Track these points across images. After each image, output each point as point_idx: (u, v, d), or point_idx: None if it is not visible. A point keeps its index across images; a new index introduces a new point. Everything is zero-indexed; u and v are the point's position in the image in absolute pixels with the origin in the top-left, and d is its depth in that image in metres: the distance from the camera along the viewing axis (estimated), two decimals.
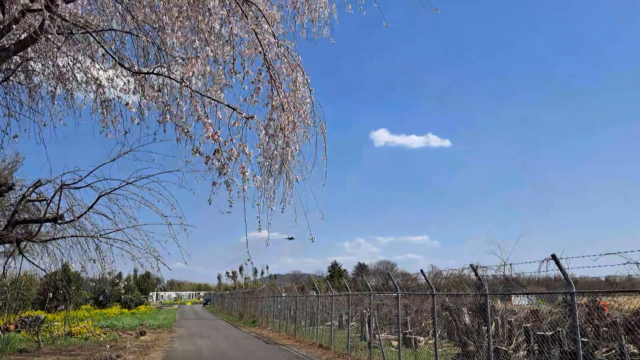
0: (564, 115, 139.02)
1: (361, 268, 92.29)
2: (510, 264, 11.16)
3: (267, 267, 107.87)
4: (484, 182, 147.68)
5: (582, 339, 12.13)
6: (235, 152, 4.48)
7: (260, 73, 6.43)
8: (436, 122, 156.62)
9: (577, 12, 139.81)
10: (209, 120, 4.04)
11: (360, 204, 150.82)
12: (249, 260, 4.88)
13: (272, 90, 6.17)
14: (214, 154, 4.12)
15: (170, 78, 3.73)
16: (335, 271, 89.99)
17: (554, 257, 9.93)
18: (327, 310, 23.37)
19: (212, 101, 4.29)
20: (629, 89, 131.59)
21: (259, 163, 6.10)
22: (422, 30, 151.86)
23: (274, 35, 6.42)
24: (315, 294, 24.87)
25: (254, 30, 6.05)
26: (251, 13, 6.15)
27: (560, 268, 9.86)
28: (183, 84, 3.73)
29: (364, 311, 20.22)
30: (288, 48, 6.71)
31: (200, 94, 3.88)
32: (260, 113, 6.00)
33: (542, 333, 13.37)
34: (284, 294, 32.29)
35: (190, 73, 3.80)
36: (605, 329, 13.10)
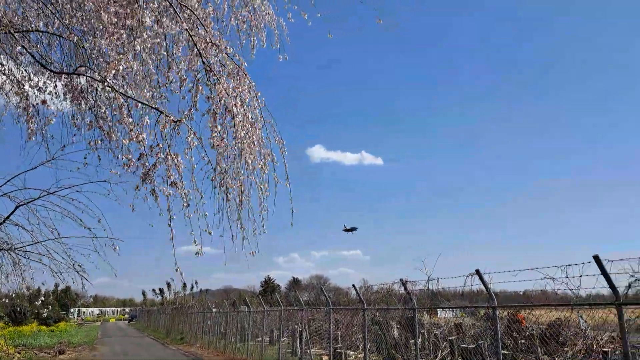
0: (495, 132, 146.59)
1: (294, 283, 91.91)
2: (437, 279, 11.49)
3: (196, 282, 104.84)
4: (414, 199, 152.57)
5: (503, 351, 12.67)
6: (170, 160, 4.25)
7: (198, 80, 6.25)
8: (370, 140, 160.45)
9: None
10: (130, 120, 3.82)
11: (296, 219, 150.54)
12: (178, 270, 4.64)
13: (211, 92, 6.02)
14: (138, 159, 3.89)
15: (92, 78, 3.48)
16: (269, 286, 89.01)
17: (477, 272, 10.34)
18: (258, 325, 22.96)
19: (140, 104, 4.08)
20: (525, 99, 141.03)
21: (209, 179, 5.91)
22: (361, 47, 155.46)
23: (212, 40, 6.28)
24: (246, 309, 24.38)
25: (188, 32, 5.89)
26: (185, 15, 5.99)
27: (483, 282, 10.27)
28: (105, 83, 3.50)
29: (296, 326, 20.05)
30: (229, 54, 6.58)
31: (122, 93, 3.66)
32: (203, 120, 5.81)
33: (465, 346, 13.84)
34: (214, 310, 31.42)
35: (113, 72, 3.57)
36: (523, 341, 13.75)
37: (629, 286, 8.19)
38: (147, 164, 3.94)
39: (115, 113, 4.06)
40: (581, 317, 13.57)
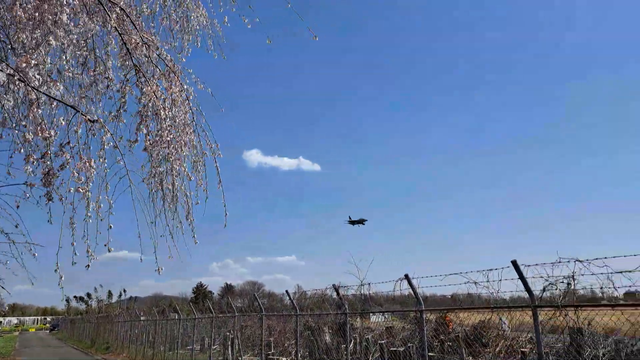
0: (428, 140, 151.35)
1: (228, 289, 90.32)
2: (369, 284, 11.68)
3: (124, 290, 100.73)
4: (350, 205, 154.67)
5: (430, 354, 13.07)
6: (80, 163, 4.01)
7: (127, 80, 6.00)
8: (308, 146, 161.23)
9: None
10: (39, 112, 3.52)
11: (230, 224, 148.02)
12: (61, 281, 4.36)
13: (141, 93, 5.79)
14: (41, 158, 3.61)
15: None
16: (201, 293, 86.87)
17: (406, 277, 10.62)
18: (189, 334, 22.32)
19: (55, 102, 3.81)
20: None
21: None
22: (298, 54, 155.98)
23: (143, 40, 6.05)
24: (177, 317, 23.67)
25: (117, 30, 5.65)
26: (115, 14, 5.73)
27: (412, 287, 10.55)
28: (16, 76, 3.24)
29: (228, 333, 19.67)
30: (160, 55, 6.37)
31: (34, 87, 3.40)
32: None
33: (395, 349, 14.17)
34: (142, 318, 30.24)
35: (25, 64, 3.30)
36: (449, 343, 14.27)
37: (544, 289, 8.70)
38: (48, 163, 3.66)
39: (20, 103, 3.76)
40: (501, 318, 14.24)
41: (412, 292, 10.65)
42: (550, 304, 8.50)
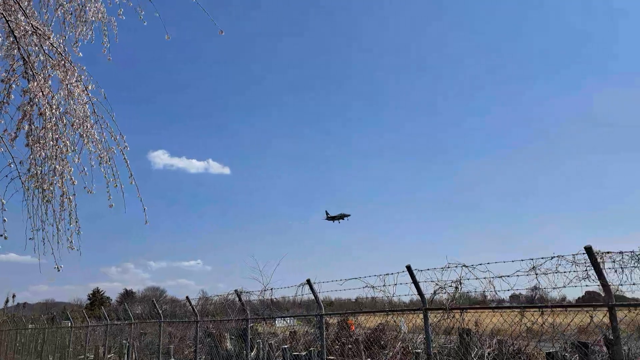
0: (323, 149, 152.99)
1: (127, 295, 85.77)
2: (271, 289, 11.64)
3: (13, 296, 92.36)
4: (258, 209, 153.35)
5: (330, 357, 13.29)
6: None
7: (14, 70, 5.53)
8: (218, 148, 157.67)
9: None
10: None
11: (131, 227, 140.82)
12: None
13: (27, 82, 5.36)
14: None
15: None
16: (97, 299, 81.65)
17: (308, 281, 10.72)
18: (82, 342, 20.89)
19: None
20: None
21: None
22: (209, 56, 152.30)
23: (33, 28, 5.59)
24: (69, 324, 22.06)
25: (3, 15, 5.19)
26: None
27: (313, 291, 10.67)
28: None
29: (124, 341, 18.66)
30: (53, 44, 5.91)
31: None
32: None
33: (297, 353, 14.25)
34: (30, 326, 27.84)
35: None
36: (350, 346, 14.62)
37: (434, 293, 9.18)
38: None
39: None
40: (400, 321, 14.82)
41: (313, 296, 10.76)
42: (440, 306, 8.97)
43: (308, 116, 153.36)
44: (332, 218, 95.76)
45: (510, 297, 11.79)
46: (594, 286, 7.82)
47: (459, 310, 8.81)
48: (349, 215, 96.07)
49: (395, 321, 14.70)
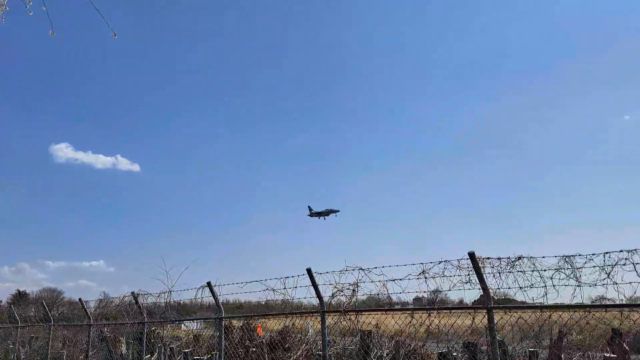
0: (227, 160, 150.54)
1: (20, 297, 79.19)
2: (170, 291, 11.28)
3: None
4: (167, 209, 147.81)
5: None
6: None
7: None
8: (127, 144, 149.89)
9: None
10: None
11: (28, 224, 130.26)
12: None
13: None
14: None
15: None
16: None
17: (209, 284, 10.50)
18: None
19: None
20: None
21: None
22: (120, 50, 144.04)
23: None
24: None
25: None
26: None
27: (213, 294, 10.47)
28: None
29: (12, 346, 17.23)
30: None
31: None
32: None
33: (198, 357, 13.90)
34: None
35: None
36: (254, 349, 14.51)
37: (333, 295, 9.35)
38: None
39: None
40: (302, 323, 14.95)
41: (213, 299, 10.57)
42: (337, 309, 9.15)
43: (231, 118, 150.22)
44: (318, 214, 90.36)
45: (413, 299, 12.29)
46: (499, 289, 8.34)
47: (354, 313, 9.03)
48: (337, 211, 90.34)
49: (300, 324, 14.81)
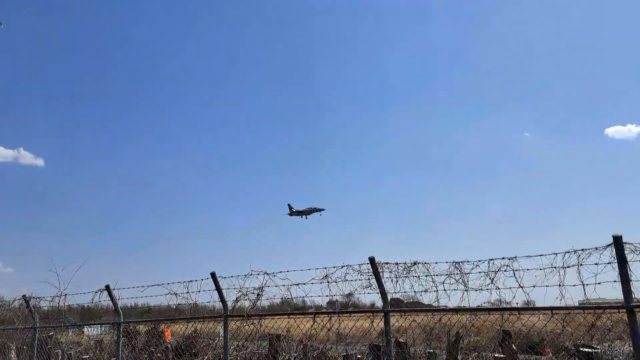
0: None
1: None
2: (64, 295, 10.65)
3: None
4: (75, 208, 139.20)
5: None
6: None
7: None
8: (31, 137, 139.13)
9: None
10: None
11: None
12: None
13: None
14: None
15: None
16: None
17: (107, 287, 10.03)
18: None
19: None
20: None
21: None
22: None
23: None
24: None
25: None
26: None
27: (112, 298, 10.01)
28: None
29: None
30: None
31: None
32: None
33: None
34: None
35: None
36: (159, 355, 14.04)
37: (237, 300, 9.26)
38: None
39: None
40: (211, 328, 14.69)
41: (112, 303, 10.10)
42: (240, 313, 9.07)
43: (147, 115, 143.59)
44: (300, 213, 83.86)
45: (327, 303, 12.44)
46: (396, 293, 8.60)
47: (257, 317, 8.99)
48: (322, 210, 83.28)
49: (211, 328, 14.53)
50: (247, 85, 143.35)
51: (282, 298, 8.92)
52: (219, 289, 9.14)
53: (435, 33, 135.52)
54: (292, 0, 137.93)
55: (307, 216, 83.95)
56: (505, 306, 7.21)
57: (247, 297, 9.28)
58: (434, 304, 8.14)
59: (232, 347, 14.95)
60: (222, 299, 9.20)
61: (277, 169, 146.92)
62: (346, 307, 10.85)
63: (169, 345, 14.27)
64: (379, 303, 8.13)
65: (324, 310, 10.85)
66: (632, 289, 6.51)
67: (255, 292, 9.17)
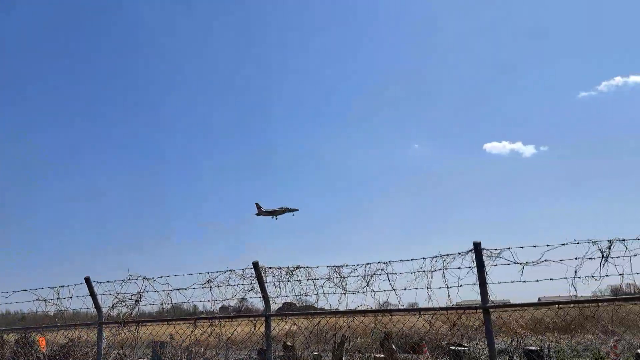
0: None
1: None
2: None
3: None
4: None
5: None
6: None
7: None
8: None
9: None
10: None
11: None
12: None
13: None
14: None
15: None
16: None
17: None
18: None
19: None
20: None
21: None
22: None
23: None
24: None
25: None
26: None
27: None
28: None
29: None
30: None
31: None
32: None
33: None
34: None
35: None
36: None
37: (113, 306, 8.82)
38: None
39: None
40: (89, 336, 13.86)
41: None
42: (116, 320, 8.65)
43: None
44: (270, 213, 76.95)
45: (220, 308, 12.20)
46: (288, 297, 8.63)
47: (134, 324, 8.63)
48: (295, 210, 76.73)
49: (86, 336, 13.65)
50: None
51: (162, 304, 8.64)
52: (93, 295, 8.66)
53: (328, 43, 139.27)
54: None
55: (278, 217, 78.26)
56: (378, 308, 7.60)
57: (124, 304, 8.87)
58: (323, 308, 8.38)
59: (112, 357, 14.17)
60: (97, 305, 8.72)
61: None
62: (239, 312, 10.77)
63: (41, 355, 13.19)
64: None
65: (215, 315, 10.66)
66: (488, 291, 7.17)
67: (133, 298, 8.81)
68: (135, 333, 8.66)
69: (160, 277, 8.47)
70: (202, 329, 8.50)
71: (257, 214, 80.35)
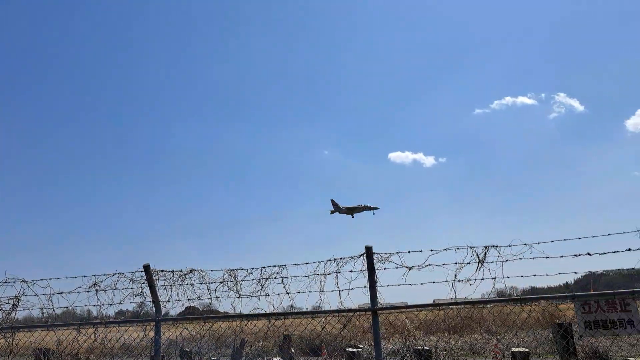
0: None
1: None
2: None
3: None
4: None
5: None
6: None
7: None
8: None
9: None
10: None
11: None
12: None
13: None
14: None
15: None
16: None
17: None
18: None
19: None
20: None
21: None
22: None
23: None
24: None
25: None
26: None
27: None
28: None
29: None
30: None
31: None
32: None
33: None
34: None
35: None
36: None
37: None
38: None
39: None
40: None
41: None
42: None
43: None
44: (349, 210, 69.85)
45: (116, 313, 11.57)
46: (193, 302, 8.35)
47: (10, 329, 7.99)
48: (376, 208, 69.39)
49: None
50: None
51: (41, 308, 8.08)
52: None
53: (254, 47, 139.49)
54: None
55: (353, 215, 71.32)
56: (272, 311, 7.64)
57: (0, 308, 8.20)
58: (230, 311, 8.22)
59: None
60: None
61: None
62: (137, 317, 10.29)
63: None
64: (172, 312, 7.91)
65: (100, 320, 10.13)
66: (377, 294, 7.47)
67: (11, 302, 8.17)
68: (11, 340, 8.01)
69: (41, 279, 7.94)
70: (86, 334, 8.05)
71: (332, 212, 73.21)
